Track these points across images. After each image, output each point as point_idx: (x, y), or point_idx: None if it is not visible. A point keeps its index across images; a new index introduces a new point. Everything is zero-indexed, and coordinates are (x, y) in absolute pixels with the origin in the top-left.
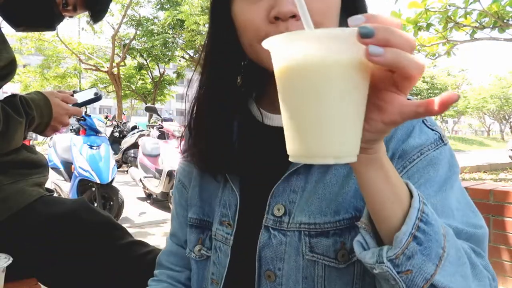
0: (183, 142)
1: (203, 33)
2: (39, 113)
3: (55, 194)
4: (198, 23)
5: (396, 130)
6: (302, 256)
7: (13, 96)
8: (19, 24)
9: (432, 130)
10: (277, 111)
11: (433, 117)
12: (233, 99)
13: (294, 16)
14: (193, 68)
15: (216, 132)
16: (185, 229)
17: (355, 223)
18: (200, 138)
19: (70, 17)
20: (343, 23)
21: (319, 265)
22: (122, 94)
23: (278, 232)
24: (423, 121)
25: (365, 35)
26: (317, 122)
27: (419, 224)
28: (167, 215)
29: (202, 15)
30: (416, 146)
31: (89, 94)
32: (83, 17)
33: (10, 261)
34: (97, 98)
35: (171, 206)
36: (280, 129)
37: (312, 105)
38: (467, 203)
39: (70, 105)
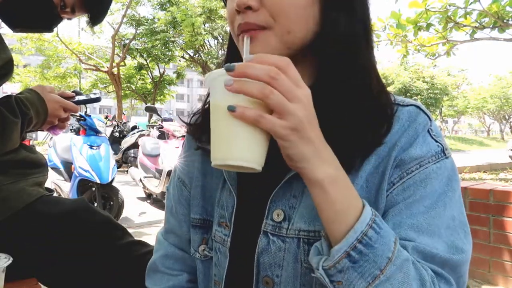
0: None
1: (204, 33)
2: (35, 111)
3: (55, 194)
4: (194, 24)
5: (400, 138)
6: (300, 263)
7: (9, 96)
8: (16, 25)
9: (436, 141)
10: None
11: (433, 117)
12: None
13: (251, 8)
14: (193, 68)
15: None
16: (184, 227)
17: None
18: (203, 134)
19: (69, 19)
20: (329, 14)
21: None
22: (122, 94)
23: (277, 238)
24: (428, 131)
25: (227, 69)
26: (215, 137)
27: (357, 245)
28: None
29: (201, 15)
30: (415, 158)
31: (89, 96)
32: (83, 17)
33: (10, 261)
34: (96, 99)
35: None
36: None
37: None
38: (461, 222)
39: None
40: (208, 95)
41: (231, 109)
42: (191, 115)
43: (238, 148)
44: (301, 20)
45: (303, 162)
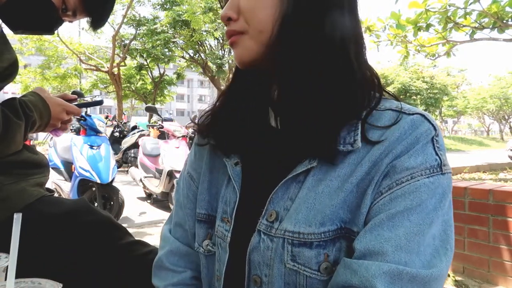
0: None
1: (204, 33)
2: (38, 114)
3: (56, 194)
4: (204, 22)
5: (396, 145)
6: (284, 264)
7: (12, 99)
8: (17, 27)
9: (436, 154)
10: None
11: (433, 118)
12: (251, 98)
13: (231, 19)
14: (193, 69)
15: (231, 122)
16: (191, 221)
17: (340, 234)
18: (216, 124)
19: (70, 21)
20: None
21: (301, 275)
22: (123, 94)
23: (267, 237)
24: (433, 140)
25: None
26: None
27: None
28: (167, 215)
29: (205, 13)
30: (408, 168)
31: (92, 98)
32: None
33: None
34: (98, 102)
35: (171, 206)
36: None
37: None
38: (444, 240)
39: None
40: (219, 97)
41: None
42: (201, 114)
43: None
44: (270, 18)
45: None
